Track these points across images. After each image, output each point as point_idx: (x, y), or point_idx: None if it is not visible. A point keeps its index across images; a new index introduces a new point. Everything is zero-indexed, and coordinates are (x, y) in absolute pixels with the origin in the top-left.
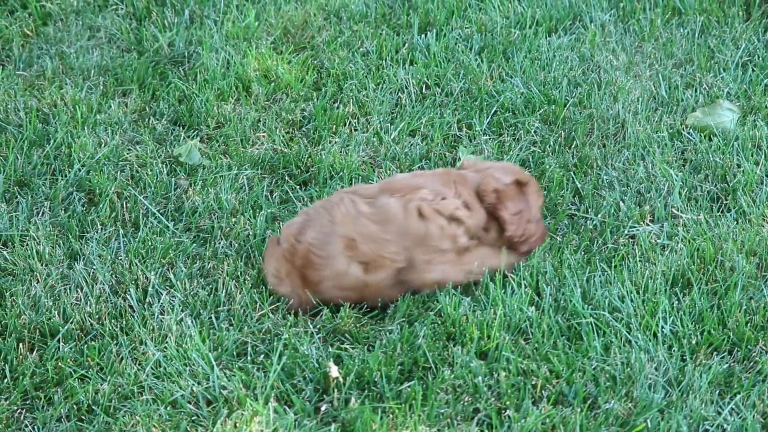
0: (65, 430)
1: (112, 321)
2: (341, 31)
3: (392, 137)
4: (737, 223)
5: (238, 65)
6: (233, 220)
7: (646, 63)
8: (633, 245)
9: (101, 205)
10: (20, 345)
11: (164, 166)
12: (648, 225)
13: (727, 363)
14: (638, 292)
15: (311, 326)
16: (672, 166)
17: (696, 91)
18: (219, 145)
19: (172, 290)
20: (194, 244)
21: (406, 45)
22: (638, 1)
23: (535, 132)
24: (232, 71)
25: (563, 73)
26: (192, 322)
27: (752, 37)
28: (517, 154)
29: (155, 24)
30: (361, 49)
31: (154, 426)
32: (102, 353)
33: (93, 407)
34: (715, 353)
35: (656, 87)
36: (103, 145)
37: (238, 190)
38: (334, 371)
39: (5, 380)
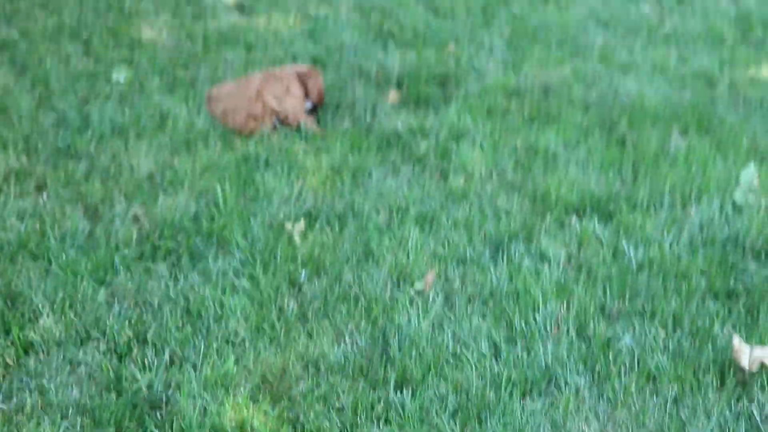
0: None
1: None
2: (318, 383)
3: None
4: None
5: (215, 415)
6: None
7: None
8: None
9: None
10: None
11: None
12: None
13: None
14: None
15: None
16: None
17: None
18: None
19: None
20: None
21: (382, 402)
22: (614, 364)
23: None
24: (208, 420)
25: None
26: None
27: (724, 409)
28: None
29: (135, 362)
30: (336, 404)
31: None
32: None
33: None
34: None
35: None
36: None
37: None
38: None
39: None
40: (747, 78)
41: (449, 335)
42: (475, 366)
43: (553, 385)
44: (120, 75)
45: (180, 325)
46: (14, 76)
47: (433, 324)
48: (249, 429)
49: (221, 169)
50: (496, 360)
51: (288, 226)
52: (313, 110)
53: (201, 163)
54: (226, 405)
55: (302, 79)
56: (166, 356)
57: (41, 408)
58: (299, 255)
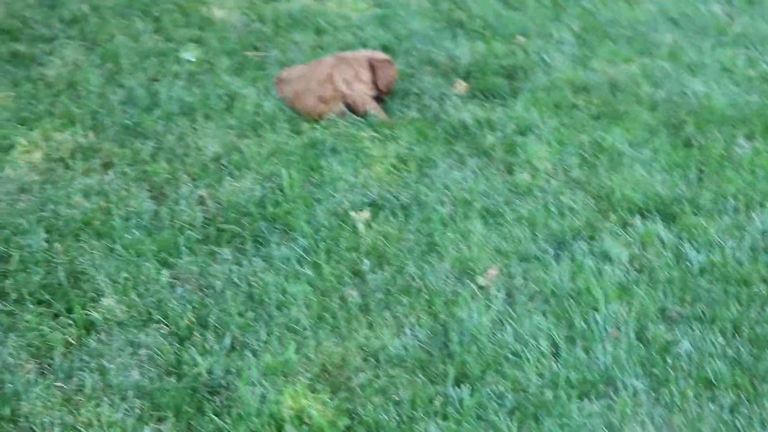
0: None
1: None
2: (378, 375)
3: None
4: None
5: (273, 403)
6: None
7: None
8: None
9: None
10: None
11: None
12: None
13: None
14: None
15: None
16: None
17: None
18: None
19: None
20: None
21: (440, 397)
22: (672, 368)
23: None
24: (266, 408)
25: None
26: None
27: None
28: None
29: (196, 346)
30: (395, 398)
31: None
32: None
33: None
34: None
35: None
36: None
37: None
38: None
39: None
40: None
41: (509, 332)
42: (535, 365)
43: (611, 388)
44: (189, 54)
45: (242, 310)
46: (84, 51)
47: (493, 320)
48: (306, 418)
49: (287, 154)
50: (556, 359)
51: (352, 214)
52: (377, 98)
53: (268, 147)
54: (285, 393)
55: (373, 66)
56: (227, 341)
57: (101, 389)
58: (362, 244)
